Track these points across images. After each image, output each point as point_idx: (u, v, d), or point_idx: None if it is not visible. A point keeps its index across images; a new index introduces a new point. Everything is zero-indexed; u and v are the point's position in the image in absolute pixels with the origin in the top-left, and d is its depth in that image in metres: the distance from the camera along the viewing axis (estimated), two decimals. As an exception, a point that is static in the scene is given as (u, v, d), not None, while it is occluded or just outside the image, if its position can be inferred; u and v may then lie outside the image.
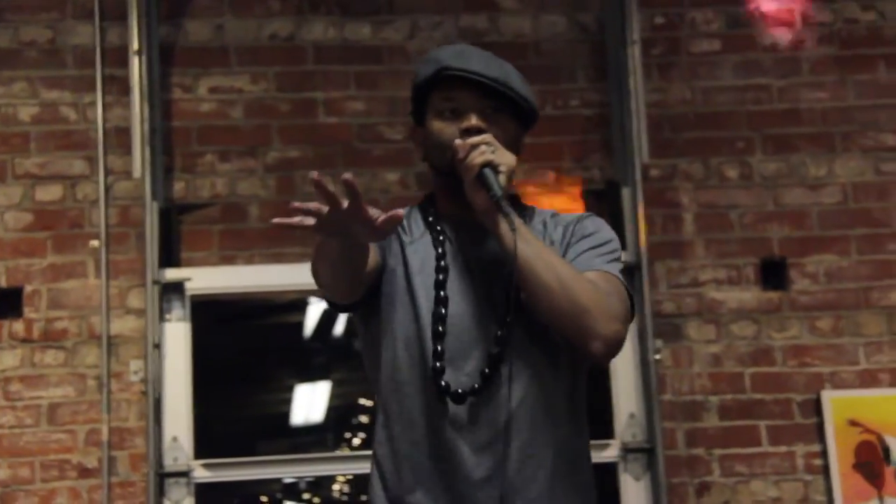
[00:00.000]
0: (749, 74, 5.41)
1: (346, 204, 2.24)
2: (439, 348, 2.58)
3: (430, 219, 2.75)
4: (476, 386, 2.55)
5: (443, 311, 2.60)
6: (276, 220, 2.28)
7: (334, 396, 9.90)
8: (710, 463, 5.03)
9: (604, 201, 5.21)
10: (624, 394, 5.05)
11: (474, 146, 2.56)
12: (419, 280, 2.65)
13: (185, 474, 4.89)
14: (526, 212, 2.78)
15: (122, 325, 5.00)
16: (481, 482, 2.53)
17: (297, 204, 2.27)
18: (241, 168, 5.21)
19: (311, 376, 9.52)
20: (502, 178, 2.54)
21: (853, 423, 5.03)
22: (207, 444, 5.11)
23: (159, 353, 4.95)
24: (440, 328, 2.59)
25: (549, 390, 2.60)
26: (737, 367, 5.12)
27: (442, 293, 2.62)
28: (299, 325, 8.12)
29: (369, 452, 2.70)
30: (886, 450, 5.01)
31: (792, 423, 5.08)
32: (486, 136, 2.58)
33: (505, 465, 2.52)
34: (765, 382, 5.11)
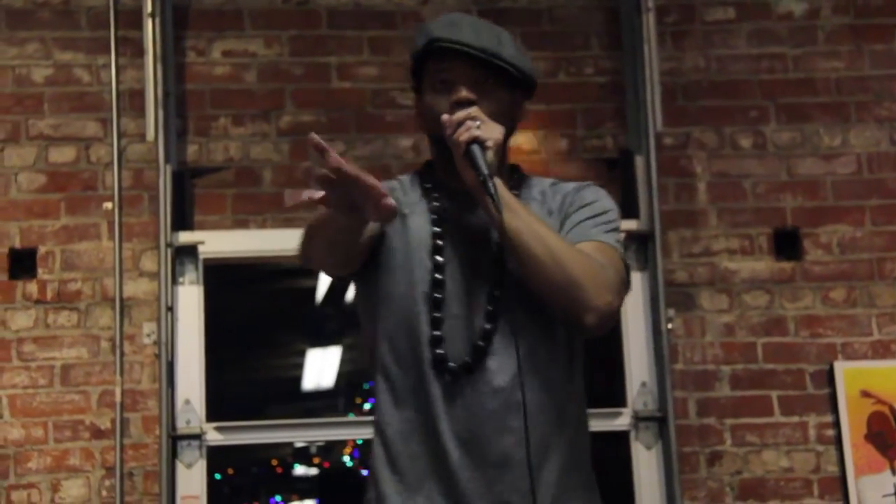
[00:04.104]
0: (763, 43, 5.38)
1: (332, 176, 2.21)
2: (437, 315, 2.57)
3: (428, 185, 2.73)
4: (468, 360, 2.54)
5: (439, 277, 2.59)
6: (288, 202, 2.24)
7: (345, 361, 9.92)
8: (721, 432, 5.03)
9: (617, 170, 5.20)
10: (636, 362, 5.05)
11: (460, 122, 2.51)
12: (415, 246, 2.63)
13: (197, 437, 4.91)
14: (523, 182, 2.75)
15: (136, 288, 5.01)
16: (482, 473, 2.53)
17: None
18: (254, 132, 5.20)
19: (322, 341, 9.54)
20: (489, 154, 2.49)
21: (865, 394, 5.03)
22: (219, 406, 5.12)
23: (172, 316, 4.95)
24: (438, 295, 2.57)
25: (544, 365, 2.58)
26: (749, 337, 5.12)
27: (439, 259, 2.60)
28: (311, 290, 8.13)
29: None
30: (898, 420, 5.02)
31: (804, 394, 5.08)
32: (473, 110, 2.53)
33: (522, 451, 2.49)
34: (777, 353, 5.11)
